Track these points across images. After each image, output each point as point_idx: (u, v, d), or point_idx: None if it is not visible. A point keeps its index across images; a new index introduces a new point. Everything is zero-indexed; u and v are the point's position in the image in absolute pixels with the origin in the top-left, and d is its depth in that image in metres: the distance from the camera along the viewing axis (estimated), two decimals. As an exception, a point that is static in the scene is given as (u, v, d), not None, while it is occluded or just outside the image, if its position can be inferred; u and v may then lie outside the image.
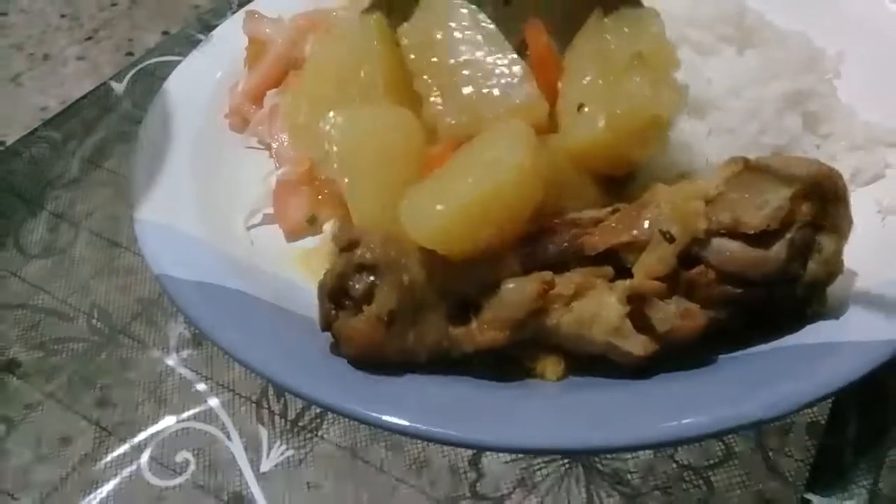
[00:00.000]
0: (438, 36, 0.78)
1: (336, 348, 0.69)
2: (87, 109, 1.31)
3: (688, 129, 0.85)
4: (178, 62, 1.05)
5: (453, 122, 0.76)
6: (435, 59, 0.78)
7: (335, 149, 0.74)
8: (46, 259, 1.10)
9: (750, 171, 0.69)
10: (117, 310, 1.03)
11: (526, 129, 0.69)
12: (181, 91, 1.00)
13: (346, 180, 0.74)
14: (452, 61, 0.77)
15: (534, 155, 0.67)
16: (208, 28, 1.25)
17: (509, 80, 0.75)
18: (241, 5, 1.16)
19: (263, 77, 1.02)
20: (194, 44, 1.10)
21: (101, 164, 1.22)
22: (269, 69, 1.02)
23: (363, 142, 0.75)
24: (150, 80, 1.32)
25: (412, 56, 0.80)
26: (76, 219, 1.15)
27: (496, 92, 0.75)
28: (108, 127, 1.28)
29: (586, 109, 0.72)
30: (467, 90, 0.76)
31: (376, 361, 0.68)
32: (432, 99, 0.77)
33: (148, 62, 1.37)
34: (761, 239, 0.66)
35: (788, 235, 0.66)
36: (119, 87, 1.33)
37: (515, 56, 0.76)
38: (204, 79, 1.03)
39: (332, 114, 0.75)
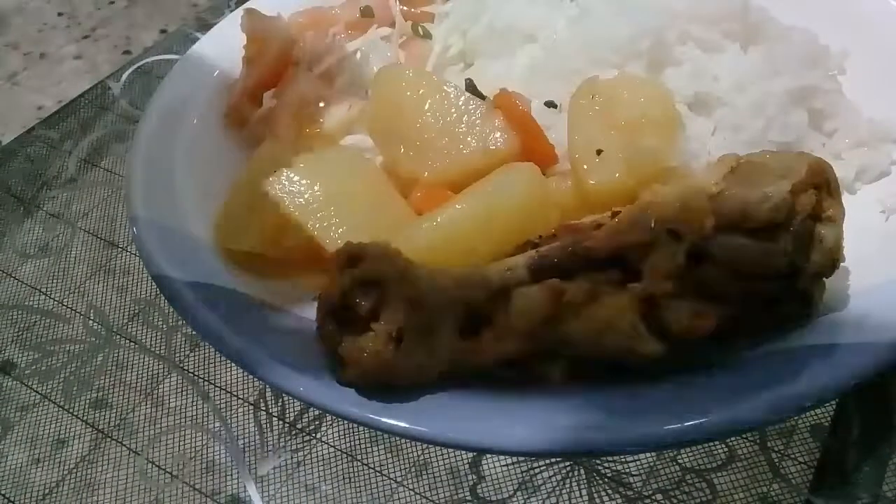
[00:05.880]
0: (398, 108, 0.84)
1: (339, 372, 0.65)
2: (83, 108, 1.31)
3: (693, 126, 0.84)
4: (176, 61, 1.04)
5: (430, 165, 0.82)
6: (399, 127, 0.84)
7: (291, 208, 0.78)
8: (42, 259, 1.10)
9: (745, 166, 0.70)
10: (114, 311, 1.03)
11: (531, 167, 0.77)
12: (179, 90, 0.99)
13: (315, 225, 0.77)
14: (418, 124, 0.83)
15: (538, 187, 0.75)
16: (206, 26, 1.24)
17: (474, 118, 0.83)
18: (239, 3, 1.15)
19: (262, 75, 1.01)
20: (192, 42, 1.09)
21: (97, 164, 1.22)
22: (267, 67, 1.01)
23: (317, 189, 0.78)
24: (147, 79, 1.32)
25: (379, 139, 0.87)
26: (73, 219, 1.15)
27: (464, 129, 0.82)
28: (106, 126, 1.27)
29: (604, 154, 0.78)
30: (438, 138, 0.82)
31: (384, 384, 0.64)
32: (402, 153, 0.83)
33: (145, 61, 1.36)
34: (767, 233, 0.66)
35: (792, 227, 0.66)
36: (116, 86, 1.32)
37: (473, 97, 0.84)
38: (202, 77, 1.02)
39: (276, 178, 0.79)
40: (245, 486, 0.84)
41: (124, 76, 1.33)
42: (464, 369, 0.67)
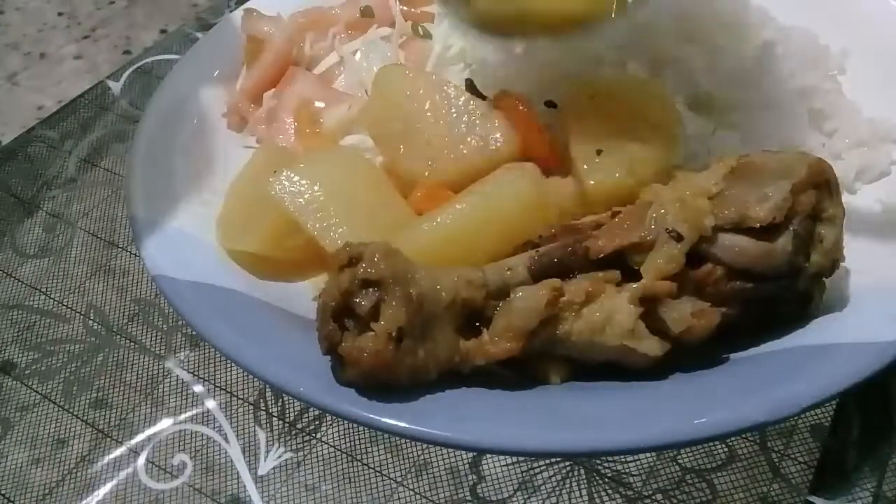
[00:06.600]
0: (398, 108, 0.84)
1: (339, 372, 0.66)
2: (83, 108, 1.31)
3: (693, 126, 0.84)
4: (176, 61, 1.04)
5: (430, 165, 0.82)
6: (399, 127, 0.83)
7: (291, 208, 0.77)
8: (42, 259, 1.10)
9: (745, 166, 0.70)
10: (114, 310, 1.03)
11: (531, 167, 0.77)
12: (179, 90, 0.99)
13: (315, 225, 0.77)
14: (418, 124, 0.83)
15: (538, 187, 0.75)
16: (206, 26, 1.25)
17: (474, 118, 0.82)
18: (239, 3, 1.15)
19: (262, 76, 1.01)
20: (192, 42, 1.09)
21: (97, 164, 1.22)
22: (267, 68, 1.01)
23: (317, 189, 0.78)
24: (147, 79, 1.32)
25: (379, 139, 0.86)
26: (72, 218, 1.15)
27: (464, 129, 0.82)
28: (105, 126, 1.27)
29: (604, 154, 0.78)
30: (437, 138, 0.82)
31: (383, 383, 0.64)
32: (402, 153, 0.83)
33: (145, 61, 1.36)
34: (767, 233, 0.66)
35: (792, 227, 0.67)
36: (116, 86, 1.32)
37: (473, 97, 0.83)
38: (202, 77, 1.02)
39: (276, 178, 0.79)
40: (245, 486, 0.84)
41: (124, 76, 1.33)
42: (464, 369, 0.67)
